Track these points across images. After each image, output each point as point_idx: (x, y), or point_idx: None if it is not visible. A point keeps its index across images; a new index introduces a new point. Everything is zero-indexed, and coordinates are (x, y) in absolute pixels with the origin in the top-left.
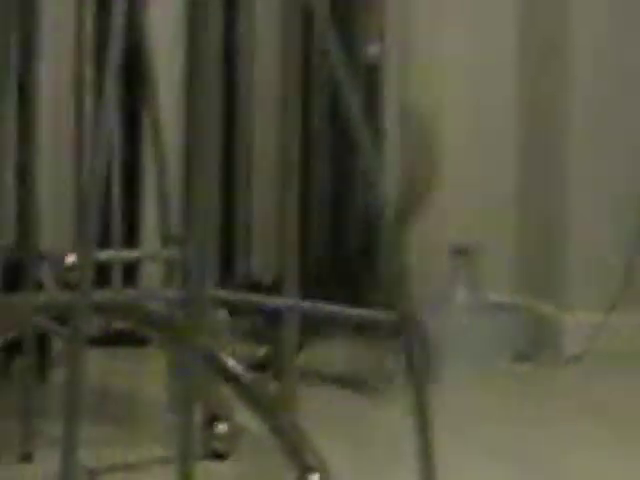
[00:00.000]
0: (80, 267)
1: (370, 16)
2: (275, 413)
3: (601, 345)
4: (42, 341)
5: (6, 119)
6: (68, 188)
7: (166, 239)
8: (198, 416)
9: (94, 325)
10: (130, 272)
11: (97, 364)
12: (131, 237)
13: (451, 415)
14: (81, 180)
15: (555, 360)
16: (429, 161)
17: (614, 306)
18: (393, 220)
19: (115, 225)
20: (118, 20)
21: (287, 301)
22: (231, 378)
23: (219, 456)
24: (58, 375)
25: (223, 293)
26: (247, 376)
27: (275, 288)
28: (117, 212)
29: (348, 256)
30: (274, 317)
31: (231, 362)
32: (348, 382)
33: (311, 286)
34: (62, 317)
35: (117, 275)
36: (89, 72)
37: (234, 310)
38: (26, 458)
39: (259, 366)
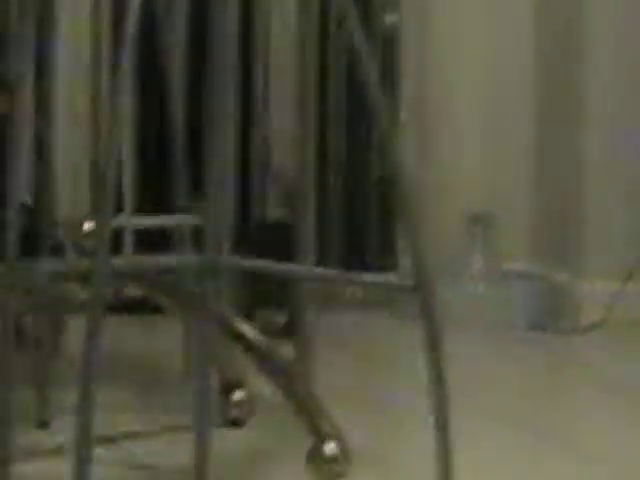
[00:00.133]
0: (97, 233)
1: None
2: (291, 380)
3: (618, 314)
4: (57, 308)
5: (24, 88)
6: (84, 156)
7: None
8: (214, 383)
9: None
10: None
11: (111, 331)
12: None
13: (466, 384)
14: (98, 148)
15: (571, 329)
16: None
17: (631, 274)
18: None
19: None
20: None
21: (303, 268)
22: (247, 345)
23: (235, 423)
24: (73, 342)
25: (239, 260)
26: (263, 343)
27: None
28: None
29: (363, 224)
30: (291, 283)
31: (247, 329)
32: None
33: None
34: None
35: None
36: (105, 41)
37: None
38: (42, 425)
39: (280, 332)
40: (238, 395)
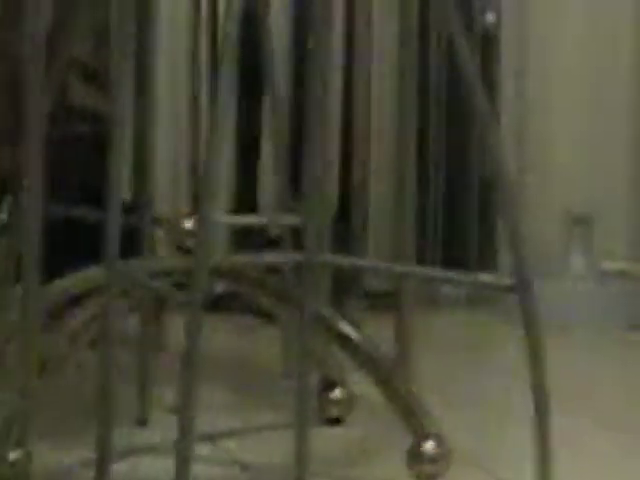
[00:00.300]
0: (198, 232)
1: None
2: (391, 379)
3: None
4: (159, 307)
5: (124, 86)
6: (184, 154)
7: (284, 206)
8: (313, 382)
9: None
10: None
11: (210, 330)
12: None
13: (566, 384)
14: (199, 146)
15: None
16: None
17: None
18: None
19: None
20: None
21: (403, 267)
22: (347, 343)
23: (334, 421)
24: (173, 341)
25: (339, 258)
26: (363, 341)
27: None
28: (233, 179)
29: (463, 223)
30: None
31: (346, 327)
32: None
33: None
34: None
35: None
36: (205, 37)
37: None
38: (142, 423)
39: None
40: (337, 393)
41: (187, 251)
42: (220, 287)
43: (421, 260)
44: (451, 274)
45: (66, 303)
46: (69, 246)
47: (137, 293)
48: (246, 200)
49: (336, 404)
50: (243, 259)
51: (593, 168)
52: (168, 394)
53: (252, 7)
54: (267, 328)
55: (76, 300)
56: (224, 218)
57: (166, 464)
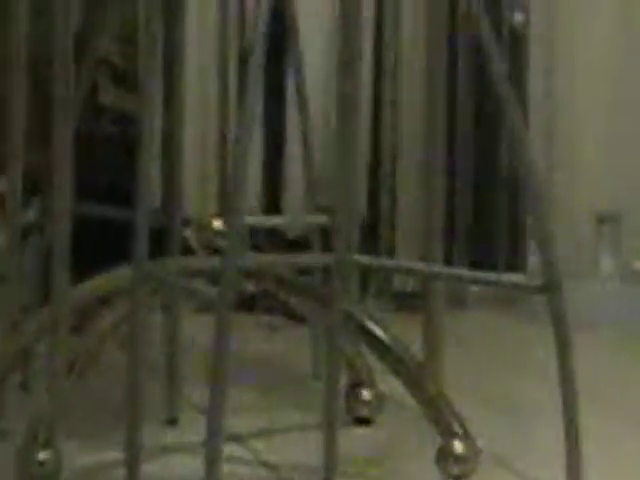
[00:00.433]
0: (228, 232)
1: None
2: (420, 380)
3: None
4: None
5: (152, 87)
6: (213, 154)
7: (312, 206)
8: (342, 382)
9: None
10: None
11: (239, 330)
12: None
13: (596, 384)
14: (227, 147)
15: None
16: None
17: None
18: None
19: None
20: None
21: (432, 267)
22: (376, 344)
23: (363, 422)
24: (201, 341)
25: (366, 259)
26: (392, 341)
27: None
28: (259, 179)
29: (491, 223)
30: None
31: (375, 328)
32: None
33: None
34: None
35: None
36: (233, 39)
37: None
38: (171, 423)
39: None
40: (366, 393)
41: (216, 251)
42: (249, 287)
43: (449, 261)
44: (480, 274)
45: (95, 303)
46: (98, 246)
47: (166, 293)
48: (271, 200)
49: (365, 404)
50: (272, 259)
51: (621, 167)
52: (197, 394)
53: (280, 6)
54: (296, 328)
55: (105, 300)
56: (251, 219)
57: (195, 464)
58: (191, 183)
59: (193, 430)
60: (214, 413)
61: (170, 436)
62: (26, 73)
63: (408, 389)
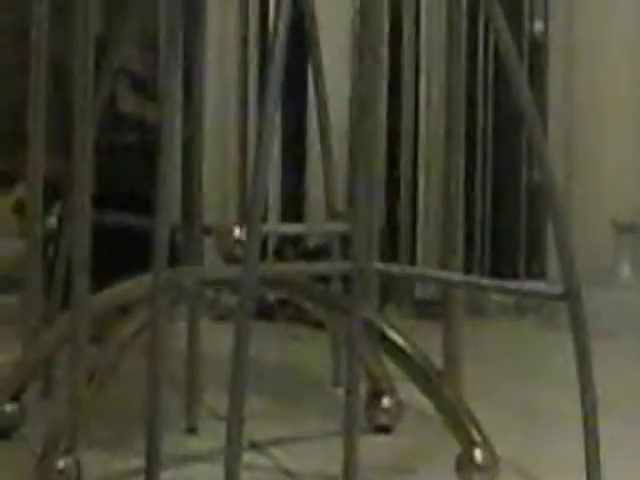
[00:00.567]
0: (247, 241)
1: None
2: (440, 388)
3: None
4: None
5: (172, 96)
6: (233, 162)
7: (332, 213)
8: (362, 390)
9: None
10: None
11: (259, 338)
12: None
13: (612, 390)
14: (247, 155)
15: None
16: None
17: None
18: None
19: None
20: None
21: (451, 275)
22: (396, 352)
23: (383, 430)
24: (221, 349)
25: (387, 267)
26: (413, 349)
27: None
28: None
29: (511, 231)
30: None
31: (396, 336)
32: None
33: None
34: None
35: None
36: (253, 42)
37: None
38: (191, 431)
39: None
40: (386, 401)
41: (236, 260)
42: (269, 296)
43: (469, 269)
44: (500, 282)
45: (115, 312)
46: (118, 255)
47: (186, 301)
48: (291, 209)
49: (385, 412)
50: (292, 267)
51: None
52: (217, 402)
53: (300, 12)
54: (316, 336)
55: (125, 309)
56: (270, 226)
57: (215, 472)
58: (211, 191)
59: (213, 438)
60: (234, 421)
61: (190, 444)
62: (46, 79)
63: (428, 397)
